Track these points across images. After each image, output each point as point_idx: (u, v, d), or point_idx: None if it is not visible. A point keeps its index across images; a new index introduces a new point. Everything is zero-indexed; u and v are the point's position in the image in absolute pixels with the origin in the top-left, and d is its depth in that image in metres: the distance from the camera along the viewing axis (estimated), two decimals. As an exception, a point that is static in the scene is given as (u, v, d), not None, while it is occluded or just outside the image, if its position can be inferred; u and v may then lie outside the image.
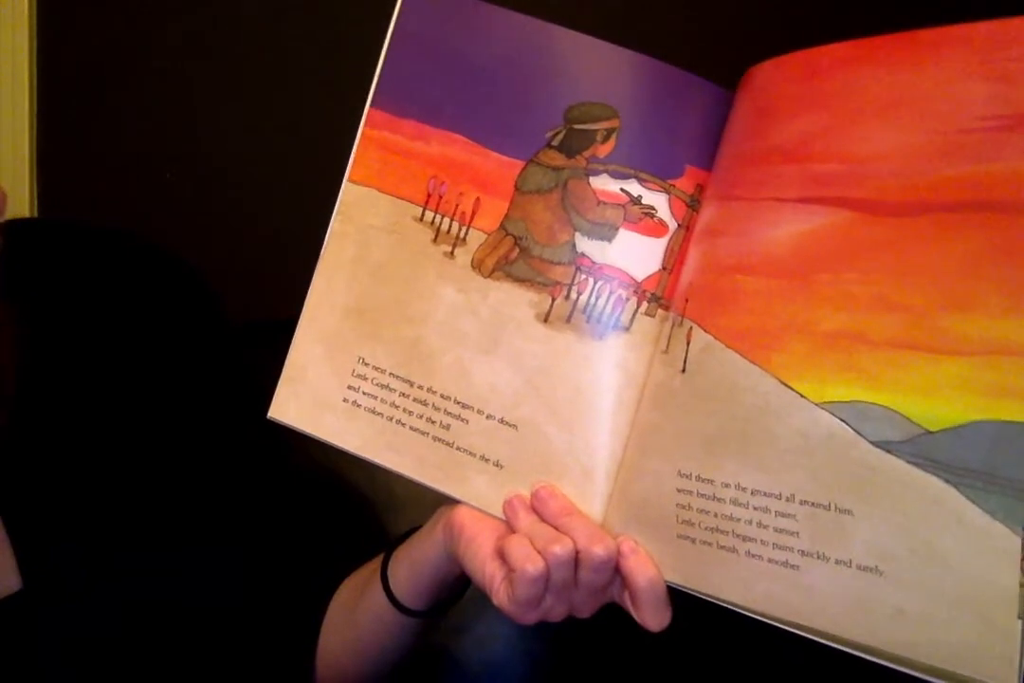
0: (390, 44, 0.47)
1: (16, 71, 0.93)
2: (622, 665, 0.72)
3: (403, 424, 0.47)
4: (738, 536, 0.39)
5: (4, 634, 0.51)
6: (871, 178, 0.38)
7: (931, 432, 0.35)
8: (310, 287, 0.49)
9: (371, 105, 0.48)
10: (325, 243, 0.49)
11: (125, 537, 0.54)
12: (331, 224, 0.49)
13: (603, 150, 0.45)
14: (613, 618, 0.45)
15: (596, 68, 0.44)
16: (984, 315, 0.34)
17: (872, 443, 0.36)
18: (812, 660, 0.59)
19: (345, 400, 0.48)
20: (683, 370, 0.42)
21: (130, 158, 0.96)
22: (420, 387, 0.47)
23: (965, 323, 0.35)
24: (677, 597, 0.42)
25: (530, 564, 0.41)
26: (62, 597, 0.52)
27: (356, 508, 0.74)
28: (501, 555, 0.44)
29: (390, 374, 0.48)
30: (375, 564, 0.56)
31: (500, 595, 0.44)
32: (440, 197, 0.47)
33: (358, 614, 0.57)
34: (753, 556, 0.39)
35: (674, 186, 0.44)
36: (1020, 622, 0.33)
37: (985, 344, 0.34)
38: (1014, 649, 0.33)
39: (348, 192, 0.49)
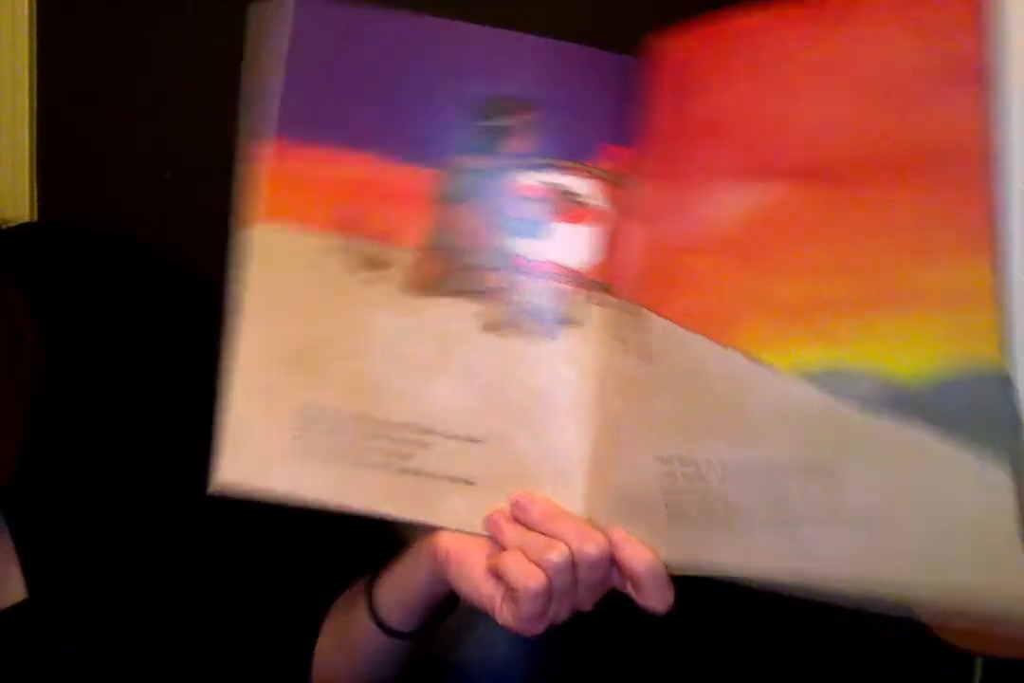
0: (287, 70, 0.43)
1: (16, 71, 0.93)
2: (624, 666, 0.71)
3: (361, 463, 0.44)
4: (729, 510, 0.39)
5: (8, 643, 0.51)
6: (809, 145, 0.37)
7: (907, 386, 0.34)
8: (233, 343, 0.44)
9: (266, 135, 0.43)
10: (238, 295, 0.44)
11: (132, 550, 0.53)
12: (240, 273, 0.44)
13: (518, 144, 0.43)
14: (615, 618, 0.44)
15: (496, 59, 0.43)
16: (944, 264, 0.34)
17: (849, 403, 0.35)
18: (818, 655, 0.59)
19: (295, 451, 0.44)
20: (643, 357, 0.41)
21: (130, 158, 0.96)
22: (373, 420, 0.44)
23: (925, 274, 0.34)
24: (675, 586, 0.42)
25: (532, 580, 0.40)
26: (67, 609, 0.52)
27: (353, 516, 0.73)
28: (495, 574, 0.42)
29: (339, 414, 0.44)
30: (359, 588, 0.54)
31: (504, 614, 0.42)
32: (355, 222, 0.44)
33: (348, 638, 0.55)
34: (748, 526, 0.38)
35: (596, 167, 0.43)
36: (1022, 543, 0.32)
37: (949, 293, 0.34)
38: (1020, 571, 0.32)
39: (253, 234, 0.44)
